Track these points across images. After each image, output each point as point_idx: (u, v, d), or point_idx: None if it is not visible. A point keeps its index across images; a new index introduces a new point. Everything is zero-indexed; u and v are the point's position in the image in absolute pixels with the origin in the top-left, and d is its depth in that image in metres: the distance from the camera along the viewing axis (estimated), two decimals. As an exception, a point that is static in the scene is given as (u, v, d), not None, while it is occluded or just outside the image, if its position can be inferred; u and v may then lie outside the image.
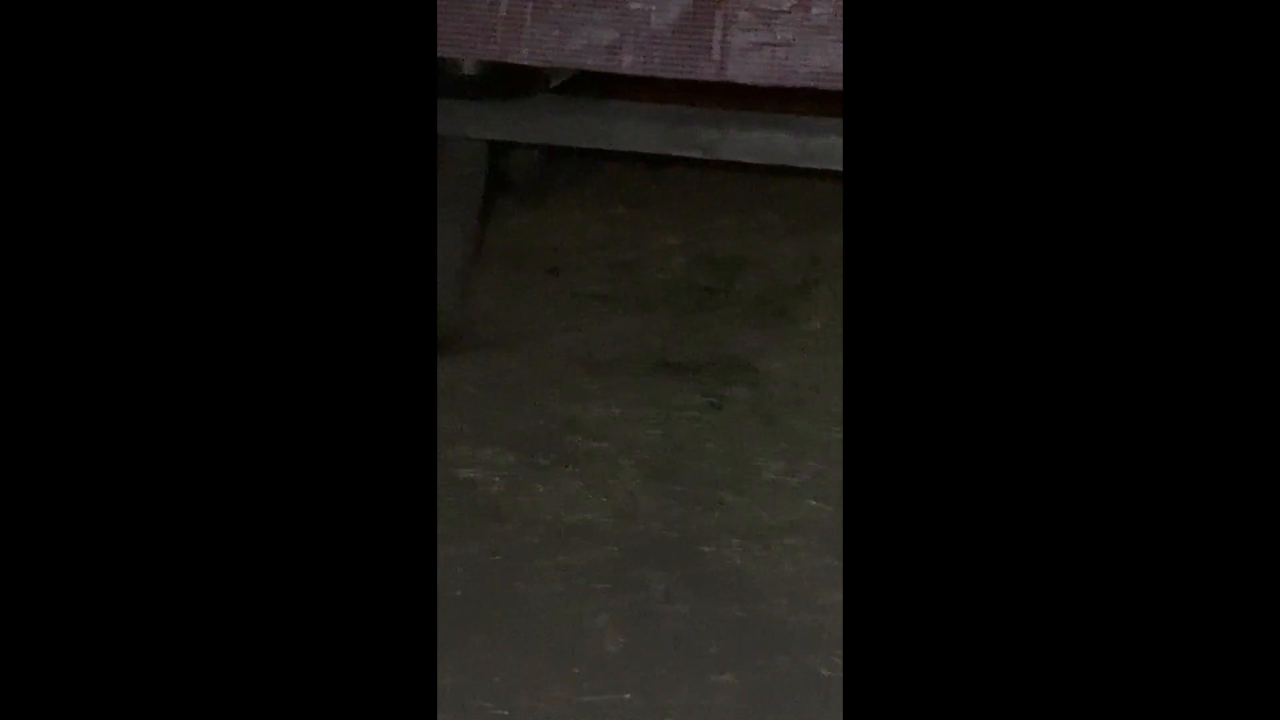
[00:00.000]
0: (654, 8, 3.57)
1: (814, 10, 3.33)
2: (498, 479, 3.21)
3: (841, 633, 1.79)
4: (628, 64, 3.63)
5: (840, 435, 2.60)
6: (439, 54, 3.71)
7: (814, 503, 3.12)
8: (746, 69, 3.38)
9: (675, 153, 3.76)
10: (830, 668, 2.58)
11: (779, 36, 3.36)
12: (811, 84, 3.34)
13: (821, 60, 3.28)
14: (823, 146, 3.50)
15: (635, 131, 3.72)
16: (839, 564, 2.42)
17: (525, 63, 3.70)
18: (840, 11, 3.21)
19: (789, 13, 3.35)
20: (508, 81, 3.78)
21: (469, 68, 3.77)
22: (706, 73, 3.47)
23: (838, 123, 3.33)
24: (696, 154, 3.67)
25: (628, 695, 2.56)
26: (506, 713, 2.50)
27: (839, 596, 2.23)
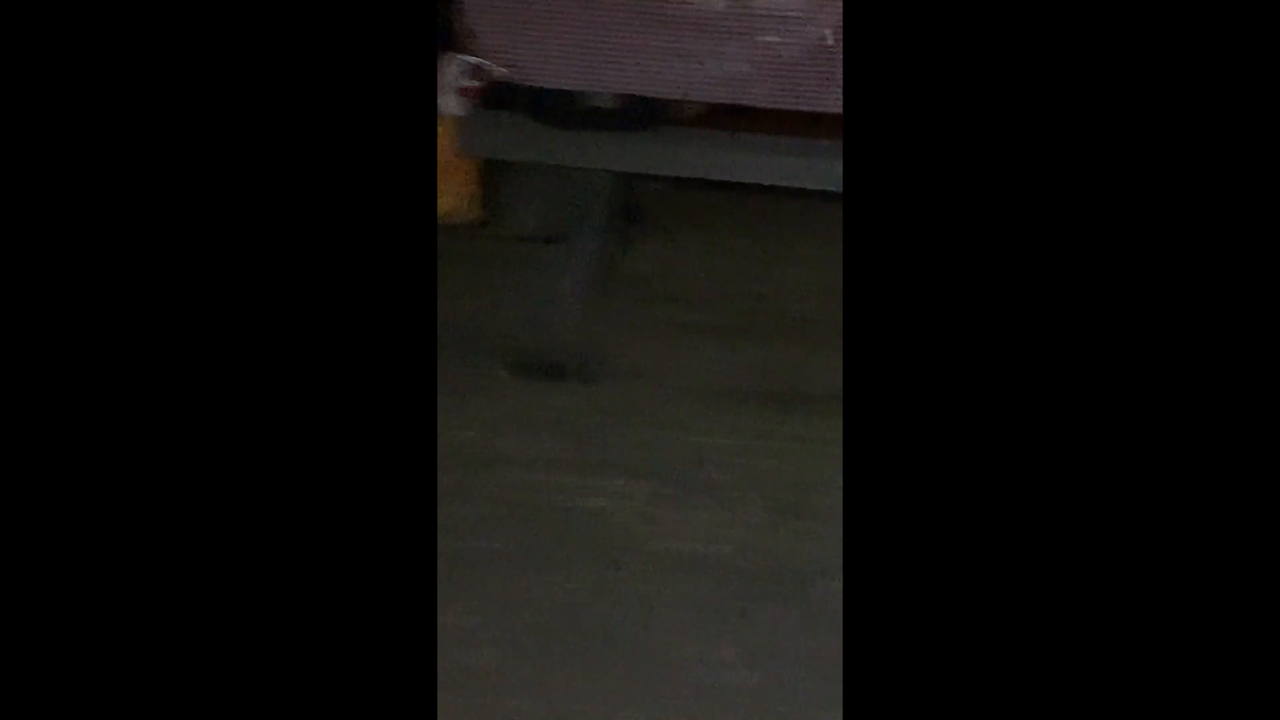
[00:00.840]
0: (785, 41, 3.58)
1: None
2: (625, 509, 3.22)
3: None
4: (758, 96, 3.64)
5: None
6: (569, 87, 3.75)
7: (944, 538, 3.10)
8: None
9: (805, 185, 3.76)
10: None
11: (911, 69, 3.35)
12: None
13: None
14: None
15: (765, 164, 3.72)
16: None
17: (656, 95, 3.72)
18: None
19: (922, 46, 3.34)
20: (638, 114, 3.80)
21: (602, 100, 3.79)
22: (836, 105, 3.47)
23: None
24: (827, 186, 3.67)
25: (756, 729, 2.55)
26: (634, 744, 2.51)
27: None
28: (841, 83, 3.38)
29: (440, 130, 3.85)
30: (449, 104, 3.88)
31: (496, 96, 3.82)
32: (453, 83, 3.89)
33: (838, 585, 2.93)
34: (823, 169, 3.64)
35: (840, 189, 3.69)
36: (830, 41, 3.51)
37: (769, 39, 3.59)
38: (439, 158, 3.84)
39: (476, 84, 3.85)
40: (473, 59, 3.81)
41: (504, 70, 3.77)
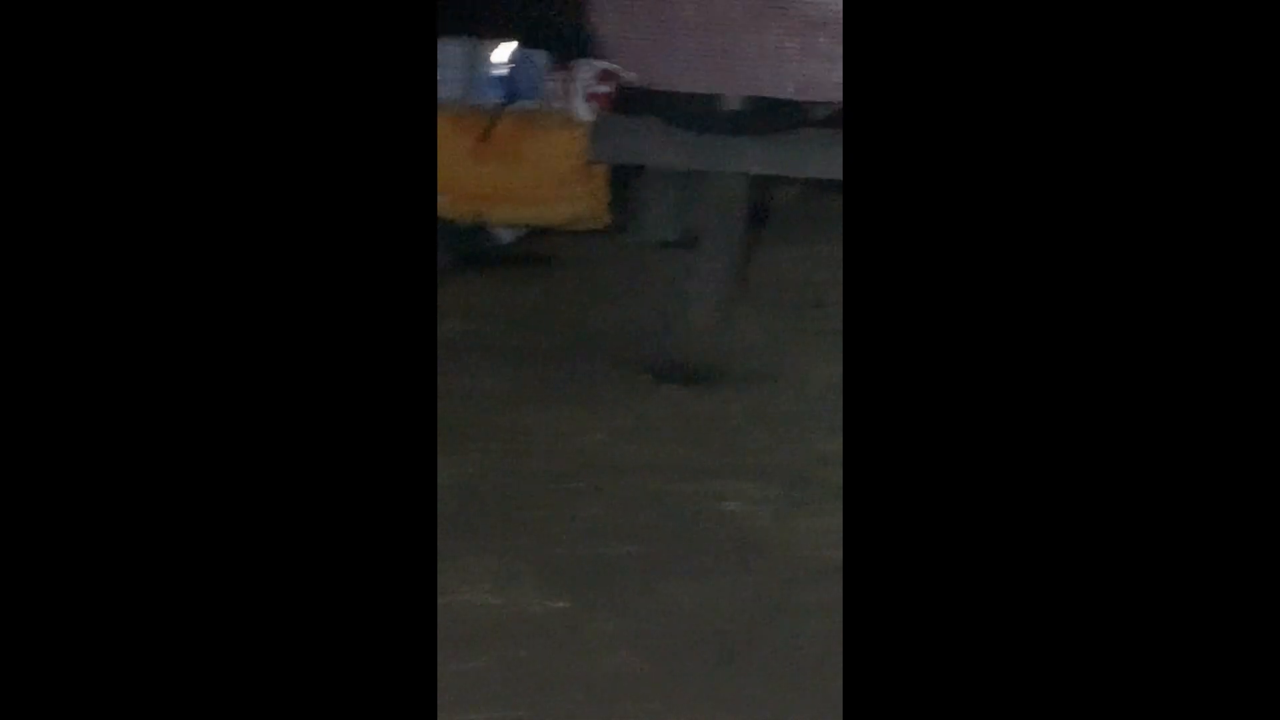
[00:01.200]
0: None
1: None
2: (762, 512, 3.21)
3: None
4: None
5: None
6: (699, 90, 3.75)
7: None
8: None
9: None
10: None
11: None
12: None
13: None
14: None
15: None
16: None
17: (790, 97, 3.71)
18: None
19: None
20: (769, 116, 3.79)
21: (734, 103, 3.79)
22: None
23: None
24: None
25: (895, 734, 2.53)
26: (772, 749, 2.50)
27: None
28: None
29: (572, 136, 3.87)
30: (580, 110, 3.89)
31: (627, 101, 3.83)
32: (584, 89, 3.91)
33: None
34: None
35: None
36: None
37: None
38: (570, 163, 3.86)
39: (607, 90, 3.87)
40: (603, 64, 3.82)
41: (634, 75, 3.78)
